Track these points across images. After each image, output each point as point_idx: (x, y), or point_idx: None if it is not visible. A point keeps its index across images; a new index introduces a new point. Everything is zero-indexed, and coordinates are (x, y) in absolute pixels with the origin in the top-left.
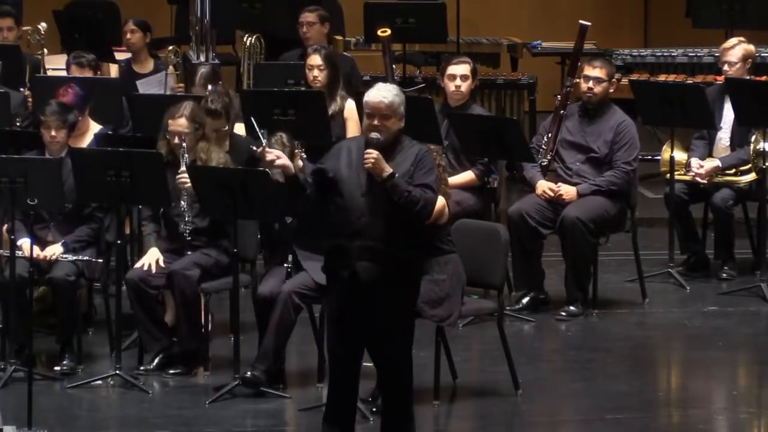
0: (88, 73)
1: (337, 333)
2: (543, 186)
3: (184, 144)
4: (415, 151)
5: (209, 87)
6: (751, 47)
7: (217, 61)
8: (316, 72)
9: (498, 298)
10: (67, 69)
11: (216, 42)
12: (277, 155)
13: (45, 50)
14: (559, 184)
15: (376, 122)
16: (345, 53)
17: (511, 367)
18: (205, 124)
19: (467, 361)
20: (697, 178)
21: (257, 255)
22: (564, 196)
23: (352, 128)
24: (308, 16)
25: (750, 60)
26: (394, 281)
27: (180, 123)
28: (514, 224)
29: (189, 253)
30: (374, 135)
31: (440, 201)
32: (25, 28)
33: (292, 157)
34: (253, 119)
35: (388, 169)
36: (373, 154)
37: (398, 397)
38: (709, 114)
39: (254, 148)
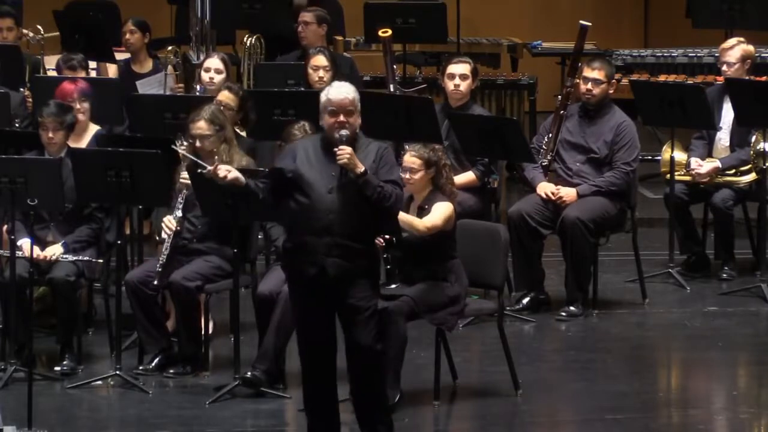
0: (81, 74)
1: (307, 330)
2: (544, 189)
3: (180, 200)
4: (375, 147)
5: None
6: (750, 48)
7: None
8: (321, 72)
9: (498, 299)
10: (58, 71)
11: (216, 42)
12: (227, 170)
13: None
14: (559, 186)
15: (342, 119)
16: (344, 53)
17: (511, 367)
18: (225, 125)
19: (467, 362)
20: (697, 178)
21: (257, 255)
22: (564, 198)
23: None
24: (305, 16)
25: (749, 60)
26: (359, 274)
27: (199, 126)
28: (514, 224)
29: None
30: (343, 132)
31: (448, 208)
32: (24, 31)
33: None
34: (177, 147)
35: (361, 166)
36: (347, 150)
37: (372, 384)
38: (709, 114)
39: (202, 171)
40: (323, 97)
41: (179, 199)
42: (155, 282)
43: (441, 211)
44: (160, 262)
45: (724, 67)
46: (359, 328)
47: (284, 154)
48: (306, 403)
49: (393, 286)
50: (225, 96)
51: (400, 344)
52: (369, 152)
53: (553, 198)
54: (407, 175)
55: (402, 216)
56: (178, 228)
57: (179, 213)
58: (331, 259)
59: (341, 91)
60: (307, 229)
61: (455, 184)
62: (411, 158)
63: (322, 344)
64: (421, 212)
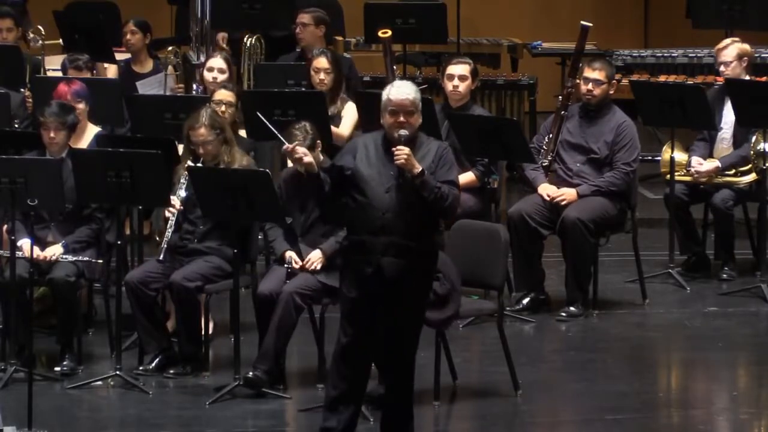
0: (86, 75)
1: (355, 329)
2: (545, 190)
3: (183, 180)
4: (435, 146)
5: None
6: (746, 46)
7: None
8: (322, 75)
9: (498, 299)
10: (63, 71)
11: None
12: (304, 152)
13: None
14: (560, 189)
15: (402, 119)
16: (344, 54)
17: (511, 367)
18: (224, 126)
19: (467, 362)
20: (696, 176)
21: (257, 255)
22: (565, 198)
23: (346, 124)
24: (303, 18)
25: (746, 58)
26: (416, 275)
27: (201, 133)
28: (514, 225)
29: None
30: (403, 132)
31: None
32: (32, 35)
33: (313, 146)
34: (267, 121)
35: (419, 166)
36: (404, 150)
37: (404, 392)
38: (709, 115)
39: (284, 144)
40: (384, 96)
41: (182, 180)
42: (160, 258)
43: None
44: (165, 239)
45: (722, 68)
46: (401, 340)
47: (345, 150)
48: (331, 403)
49: None
50: (224, 95)
51: None
52: (429, 151)
53: (551, 200)
54: None
55: None
56: (181, 207)
57: (183, 193)
58: (387, 258)
59: (402, 91)
60: (364, 227)
61: None
62: None
63: (369, 344)
64: None
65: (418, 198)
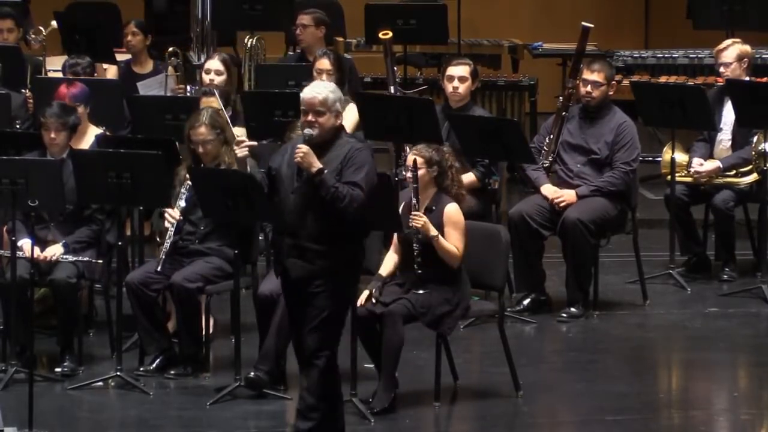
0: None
1: (291, 326)
2: (548, 190)
3: (183, 190)
4: (348, 147)
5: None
6: (746, 47)
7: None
8: (325, 76)
9: (499, 300)
10: (64, 72)
11: (217, 43)
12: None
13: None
14: (562, 190)
15: (310, 118)
16: (344, 54)
17: (511, 368)
18: (225, 127)
19: (468, 363)
20: (697, 176)
21: (258, 256)
22: (564, 199)
23: (347, 126)
24: (303, 19)
25: (746, 59)
26: (323, 277)
27: (201, 132)
28: (514, 226)
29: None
30: (307, 131)
31: (461, 217)
32: (33, 36)
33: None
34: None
35: (317, 165)
36: (302, 149)
37: (315, 389)
38: (709, 115)
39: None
40: (301, 94)
41: (182, 190)
42: (158, 268)
43: (461, 228)
44: (164, 249)
45: (722, 69)
46: (307, 332)
47: (281, 148)
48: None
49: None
50: (207, 102)
51: (396, 346)
52: (340, 153)
53: (550, 201)
54: (408, 174)
55: (444, 245)
56: (180, 218)
57: (182, 203)
58: (291, 260)
59: (313, 90)
60: (276, 228)
61: (463, 186)
62: (411, 156)
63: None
64: (429, 213)
65: (322, 199)
